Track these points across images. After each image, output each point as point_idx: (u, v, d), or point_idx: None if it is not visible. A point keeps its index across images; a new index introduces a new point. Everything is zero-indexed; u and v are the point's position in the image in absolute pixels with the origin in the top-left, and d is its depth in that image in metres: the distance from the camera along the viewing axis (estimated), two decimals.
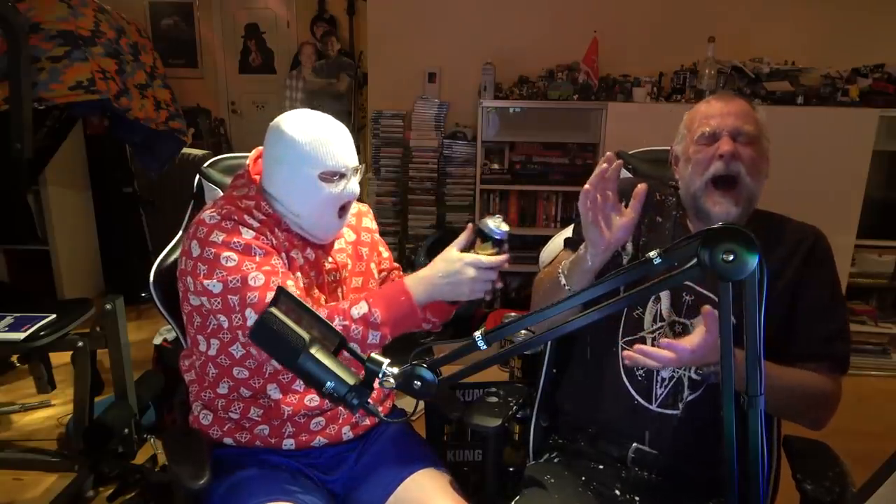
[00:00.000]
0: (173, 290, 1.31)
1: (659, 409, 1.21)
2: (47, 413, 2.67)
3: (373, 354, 0.90)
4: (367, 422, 1.36)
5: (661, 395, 1.22)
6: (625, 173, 1.51)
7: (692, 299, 1.22)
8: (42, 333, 2.08)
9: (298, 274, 1.27)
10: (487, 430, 1.33)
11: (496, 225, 1.17)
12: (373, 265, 1.45)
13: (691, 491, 1.21)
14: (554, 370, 1.46)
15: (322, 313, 1.12)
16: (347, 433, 1.32)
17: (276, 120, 1.29)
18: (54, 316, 2.16)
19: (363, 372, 0.89)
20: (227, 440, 1.28)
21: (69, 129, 3.15)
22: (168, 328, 2.48)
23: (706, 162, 1.20)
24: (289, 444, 1.27)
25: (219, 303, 1.17)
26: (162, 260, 1.41)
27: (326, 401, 1.24)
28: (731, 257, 0.73)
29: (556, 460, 1.33)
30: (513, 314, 2.84)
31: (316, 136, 1.24)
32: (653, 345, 1.22)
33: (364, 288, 1.40)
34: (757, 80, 3.25)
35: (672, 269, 0.80)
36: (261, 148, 1.33)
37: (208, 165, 1.50)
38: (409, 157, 3.62)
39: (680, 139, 1.29)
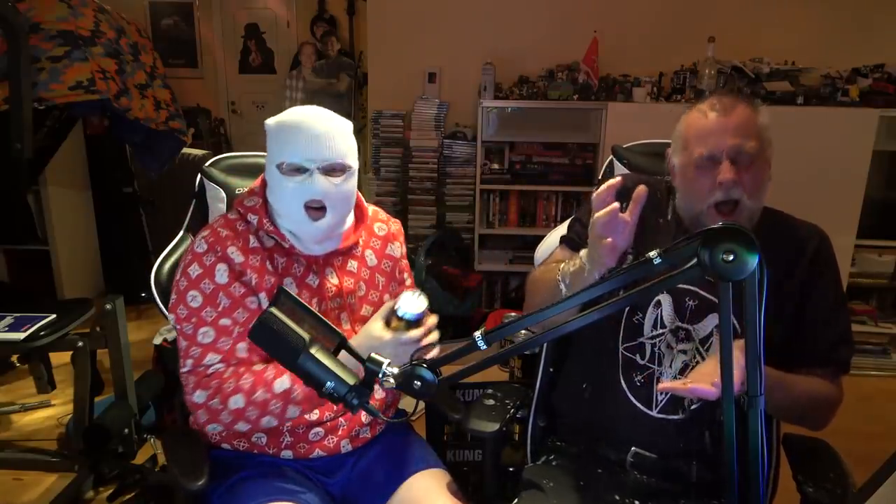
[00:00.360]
0: None
1: (659, 415, 1.21)
2: (47, 413, 2.67)
3: (372, 354, 0.90)
4: (368, 433, 1.33)
5: (661, 401, 1.21)
6: (624, 173, 1.51)
7: (696, 304, 1.21)
8: (42, 333, 2.08)
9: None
10: (485, 434, 1.32)
11: (409, 308, 1.12)
12: (386, 296, 1.38)
13: (691, 494, 1.20)
14: (551, 369, 1.46)
15: (247, 381, 1.14)
16: (346, 445, 1.29)
17: None
18: (54, 316, 2.16)
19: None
20: (225, 445, 1.28)
21: (69, 129, 3.15)
22: (168, 328, 2.48)
23: (706, 189, 1.15)
24: (287, 454, 1.26)
25: (177, 336, 1.20)
26: (162, 260, 1.41)
27: (326, 414, 1.25)
28: (731, 257, 0.73)
29: (554, 463, 1.32)
30: (513, 314, 2.84)
31: (286, 125, 1.21)
32: (653, 351, 1.22)
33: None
34: (757, 80, 3.25)
35: (672, 269, 0.80)
36: None
37: (210, 164, 1.49)
38: (409, 157, 3.63)
39: (676, 149, 1.23)
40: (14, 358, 2.82)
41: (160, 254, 1.43)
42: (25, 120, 2.18)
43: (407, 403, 1.47)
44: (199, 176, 1.48)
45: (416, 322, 1.13)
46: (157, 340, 2.61)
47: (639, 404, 1.22)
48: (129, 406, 2.27)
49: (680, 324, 1.22)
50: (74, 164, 3.68)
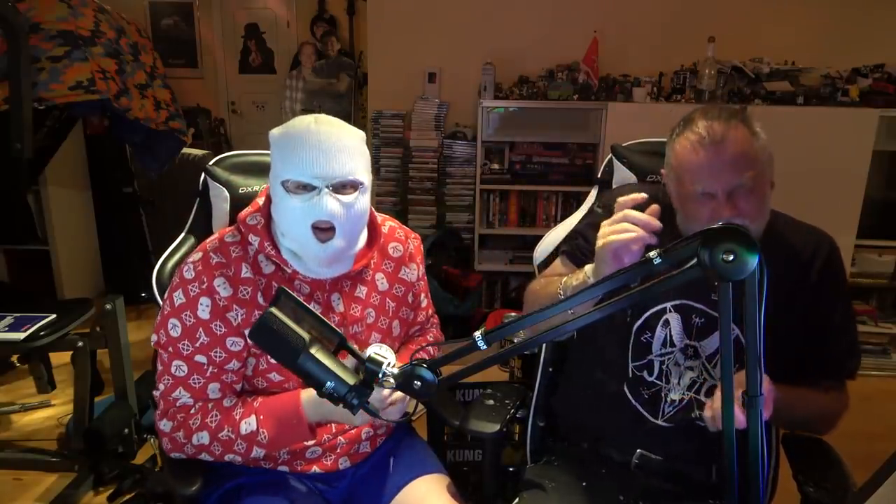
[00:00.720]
0: None
1: (663, 423, 1.21)
2: (47, 413, 2.67)
3: (372, 354, 0.90)
4: (368, 448, 1.30)
5: (669, 412, 1.21)
6: (623, 172, 1.50)
7: (702, 322, 1.20)
8: (42, 333, 2.08)
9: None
10: (485, 435, 1.31)
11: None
12: (396, 323, 1.31)
13: (697, 496, 1.20)
14: (550, 369, 1.46)
15: (215, 419, 1.12)
16: (345, 462, 1.26)
17: None
18: (54, 316, 2.16)
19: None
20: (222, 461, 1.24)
21: (69, 129, 3.15)
22: None
23: (705, 219, 1.09)
24: (283, 468, 1.23)
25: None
26: (164, 261, 1.40)
27: (324, 436, 1.22)
28: (731, 257, 0.73)
29: (556, 463, 1.32)
30: (513, 314, 2.84)
31: (292, 138, 1.11)
32: (661, 369, 1.22)
33: None
34: (757, 80, 3.25)
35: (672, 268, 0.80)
36: None
37: (214, 163, 1.47)
38: (409, 157, 3.62)
39: (670, 177, 1.18)
40: (14, 358, 2.82)
41: (160, 254, 1.42)
42: (25, 120, 2.17)
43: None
44: (202, 175, 1.45)
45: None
46: (153, 341, 2.61)
47: (644, 412, 1.22)
48: (129, 406, 2.27)
49: (688, 341, 1.21)
50: (74, 164, 3.68)
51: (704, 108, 1.14)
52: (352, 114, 4.76)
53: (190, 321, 1.13)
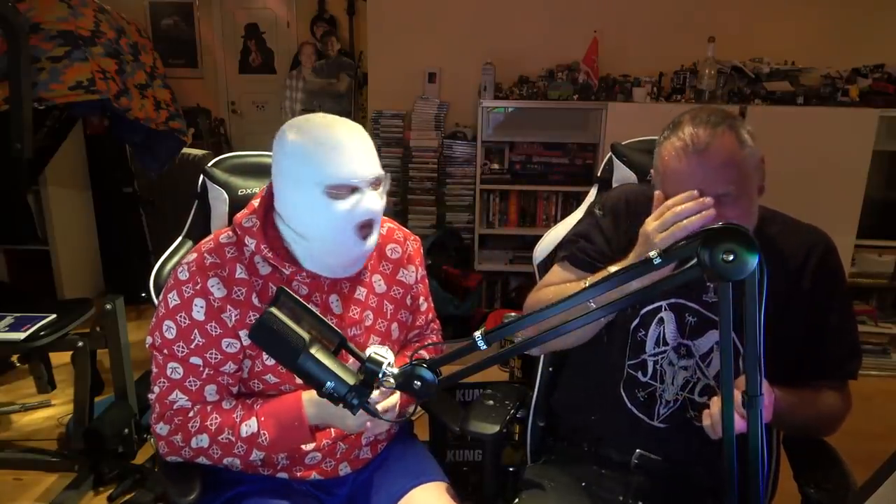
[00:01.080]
0: None
1: (660, 425, 1.21)
2: (47, 413, 2.67)
3: (372, 354, 0.90)
4: (368, 454, 1.29)
5: (664, 413, 1.21)
6: (623, 171, 1.49)
7: (695, 321, 1.20)
8: (42, 333, 2.08)
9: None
10: (485, 436, 1.31)
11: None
12: (395, 326, 1.30)
13: (697, 496, 1.20)
14: (550, 369, 1.46)
15: (214, 421, 1.11)
16: (345, 468, 1.25)
17: (282, 127, 1.16)
18: (54, 316, 2.16)
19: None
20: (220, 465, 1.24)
21: (69, 129, 3.15)
22: None
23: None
24: (282, 475, 1.22)
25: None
26: (162, 263, 1.39)
27: (323, 441, 1.20)
28: (731, 257, 0.73)
29: (555, 463, 1.32)
30: (513, 314, 2.84)
31: (322, 142, 1.09)
32: (655, 368, 1.22)
33: None
34: (757, 80, 3.25)
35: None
36: None
37: (212, 165, 1.46)
38: (409, 157, 3.63)
39: (656, 180, 1.16)
40: (14, 358, 2.82)
41: (160, 254, 1.42)
42: (25, 120, 2.17)
43: None
44: (201, 177, 1.44)
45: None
46: (148, 343, 2.61)
47: (641, 415, 1.22)
48: (129, 406, 2.27)
49: (681, 340, 1.21)
50: (74, 164, 3.68)
51: (694, 111, 1.12)
52: (352, 114, 4.76)
53: (185, 322, 1.12)
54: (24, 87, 2.14)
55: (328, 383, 0.86)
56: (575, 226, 1.36)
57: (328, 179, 1.09)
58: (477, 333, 0.84)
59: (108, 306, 2.17)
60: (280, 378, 1.16)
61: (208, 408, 1.13)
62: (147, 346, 1.17)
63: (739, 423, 0.87)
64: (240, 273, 1.14)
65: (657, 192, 1.08)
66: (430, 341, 1.42)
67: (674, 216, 1.00)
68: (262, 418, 1.11)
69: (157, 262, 1.40)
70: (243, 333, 1.13)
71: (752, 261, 0.73)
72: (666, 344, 1.22)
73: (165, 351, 1.13)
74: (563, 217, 1.48)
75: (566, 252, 1.28)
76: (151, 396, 1.16)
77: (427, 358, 1.33)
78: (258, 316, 1.11)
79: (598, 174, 1.53)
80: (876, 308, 3.36)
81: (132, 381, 2.30)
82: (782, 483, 1.29)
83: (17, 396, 2.77)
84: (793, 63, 3.32)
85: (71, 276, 3.65)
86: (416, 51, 3.64)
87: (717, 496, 1.19)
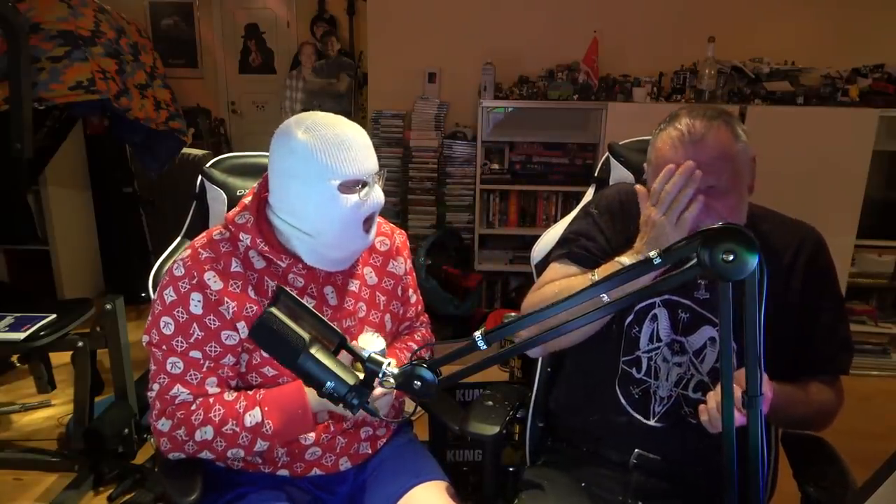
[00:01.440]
0: None
1: (656, 424, 1.21)
2: (47, 413, 2.67)
3: (372, 354, 0.90)
4: (368, 450, 1.30)
5: (659, 412, 1.21)
6: (621, 171, 1.49)
7: (688, 317, 1.21)
8: (42, 333, 2.08)
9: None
10: (485, 438, 1.31)
11: (374, 346, 1.08)
12: (388, 317, 1.32)
13: (698, 497, 1.20)
14: (549, 370, 1.46)
15: (218, 413, 1.11)
16: (345, 463, 1.26)
17: (282, 126, 1.16)
18: (54, 316, 2.16)
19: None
20: (219, 463, 1.24)
21: (69, 129, 3.15)
22: None
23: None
24: (283, 472, 1.22)
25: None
26: (161, 264, 1.39)
27: (322, 436, 1.21)
28: (731, 257, 0.73)
29: (555, 464, 1.32)
30: (513, 314, 2.84)
31: (331, 140, 1.12)
32: (649, 364, 1.22)
33: None
34: (757, 80, 3.25)
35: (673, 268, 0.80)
36: None
37: (211, 165, 1.46)
38: (409, 157, 3.63)
39: (649, 171, 1.17)
40: (14, 358, 2.82)
41: (160, 254, 1.42)
42: (25, 120, 2.17)
43: (407, 403, 1.47)
44: (199, 177, 1.44)
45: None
46: (144, 342, 2.61)
47: (636, 414, 1.22)
48: (129, 406, 2.27)
49: (674, 336, 1.21)
50: (74, 164, 3.68)
51: (690, 106, 1.14)
52: (352, 114, 4.76)
53: (183, 317, 1.13)
54: (24, 87, 2.14)
55: (328, 383, 0.86)
56: (570, 225, 1.34)
57: (341, 176, 1.12)
58: (477, 333, 0.84)
59: (108, 306, 2.17)
60: (278, 370, 1.17)
61: (210, 400, 1.13)
62: (144, 343, 1.17)
63: (737, 418, 0.87)
64: (235, 266, 1.15)
65: (638, 187, 1.12)
66: (419, 334, 1.44)
67: (668, 194, 1.04)
68: (266, 408, 1.12)
69: (157, 262, 1.40)
70: (241, 325, 1.14)
71: (752, 261, 0.73)
72: (659, 340, 1.22)
73: (164, 347, 1.14)
74: (563, 217, 1.48)
75: (565, 249, 1.27)
76: (151, 394, 1.16)
77: (416, 348, 1.38)
78: (254, 308, 1.14)
79: (596, 174, 1.53)
80: (876, 308, 3.36)
81: (132, 381, 2.30)
82: (782, 482, 1.29)
83: (17, 396, 2.77)
84: (793, 63, 3.32)
85: (71, 276, 3.65)
86: (416, 51, 3.64)
87: (716, 495, 1.19)
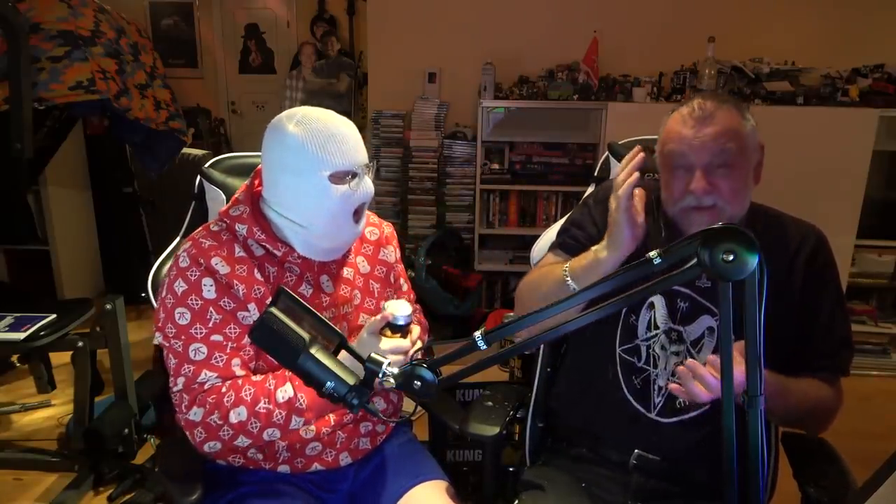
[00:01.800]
0: None
1: (657, 418, 1.21)
2: (47, 413, 2.67)
3: (372, 354, 0.90)
4: (368, 445, 1.30)
5: (658, 403, 1.21)
6: (617, 166, 1.50)
7: (687, 306, 1.21)
8: (42, 333, 2.08)
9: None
10: (485, 438, 1.31)
11: (402, 311, 1.10)
12: (382, 304, 1.32)
13: (696, 496, 1.20)
14: (549, 370, 1.46)
15: (249, 392, 1.11)
16: (346, 458, 1.26)
17: (274, 120, 1.20)
18: (54, 316, 2.16)
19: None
20: (220, 461, 1.24)
21: (69, 129, 3.15)
22: None
23: (679, 193, 1.16)
24: (284, 468, 1.22)
25: (165, 353, 1.16)
26: (160, 264, 1.39)
27: (322, 430, 1.22)
28: (731, 257, 0.73)
29: (555, 464, 1.32)
30: (513, 314, 2.84)
31: (322, 132, 1.15)
32: (648, 352, 1.22)
33: None
34: (757, 80, 3.25)
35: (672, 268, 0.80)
36: None
37: (210, 165, 1.46)
38: (409, 157, 3.63)
39: (658, 147, 1.23)
40: (14, 358, 2.82)
41: (160, 254, 1.42)
42: (25, 120, 2.17)
43: (406, 403, 1.47)
44: (198, 178, 1.45)
45: (405, 327, 1.12)
46: (157, 340, 2.61)
47: (639, 406, 1.22)
48: (129, 406, 2.27)
49: (672, 325, 1.22)
50: (74, 164, 3.68)
51: (704, 93, 1.19)
52: (352, 114, 4.76)
53: (198, 304, 1.13)
54: (24, 87, 2.14)
55: (328, 383, 0.86)
56: (569, 215, 1.40)
57: (333, 167, 1.15)
58: (477, 333, 0.84)
59: (108, 306, 2.17)
60: None
61: (239, 381, 1.13)
62: (158, 341, 1.17)
63: (712, 386, 0.92)
64: (239, 252, 1.18)
65: (637, 191, 1.13)
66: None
67: (618, 185, 1.09)
68: (297, 382, 1.12)
69: (156, 262, 1.40)
70: (252, 307, 1.15)
71: (752, 261, 0.73)
72: (657, 328, 1.23)
73: (183, 337, 1.13)
74: (562, 217, 1.48)
75: (559, 239, 1.34)
76: (175, 390, 1.14)
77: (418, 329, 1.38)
78: (262, 289, 1.16)
79: (596, 173, 1.54)
80: (876, 308, 3.36)
81: (132, 381, 2.30)
82: (782, 482, 1.29)
83: (17, 396, 2.77)
84: (793, 63, 3.32)
85: (71, 276, 3.65)
86: (416, 51, 3.64)
87: (716, 496, 1.19)
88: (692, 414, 1.18)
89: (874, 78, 3.18)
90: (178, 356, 1.13)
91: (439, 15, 3.59)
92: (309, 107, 1.22)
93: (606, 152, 1.52)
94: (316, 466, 1.24)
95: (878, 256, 3.26)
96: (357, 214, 1.21)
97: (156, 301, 1.25)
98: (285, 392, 1.12)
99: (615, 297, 0.82)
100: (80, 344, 2.18)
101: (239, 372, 1.14)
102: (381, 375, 0.88)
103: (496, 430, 1.32)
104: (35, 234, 3.53)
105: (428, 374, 0.87)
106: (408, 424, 1.46)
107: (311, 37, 5.41)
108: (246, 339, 1.15)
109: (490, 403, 1.42)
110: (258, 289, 1.16)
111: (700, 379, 0.94)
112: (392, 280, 1.40)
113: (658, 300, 1.22)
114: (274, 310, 0.87)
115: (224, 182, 1.44)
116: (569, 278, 1.16)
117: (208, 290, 1.14)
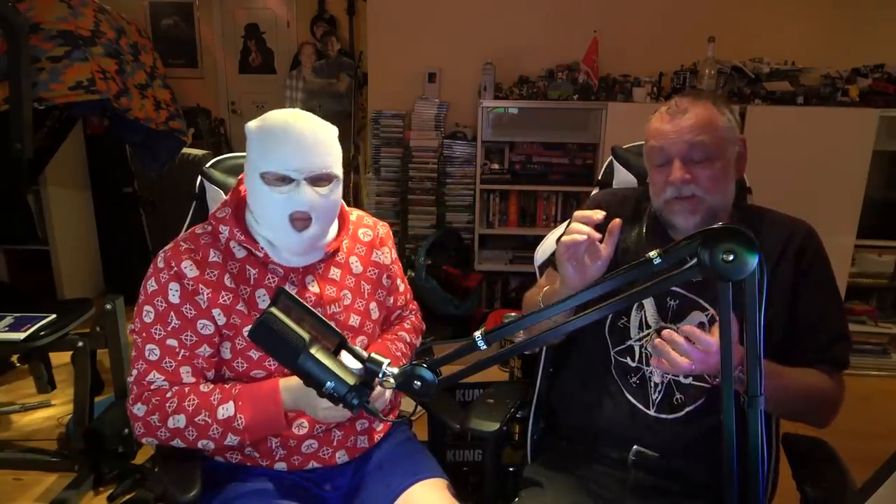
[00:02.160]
0: None
1: (656, 414, 1.21)
2: (47, 413, 2.67)
3: (372, 354, 0.90)
4: (366, 443, 1.31)
5: (656, 399, 1.22)
6: (623, 174, 1.50)
7: (676, 304, 1.21)
8: (42, 333, 2.08)
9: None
10: (485, 434, 1.31)
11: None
12: (373, 305, 1.34)
13: (694, 494, 1.20)
14: (551, 370, 1.46)
15: (192, 402, 1.13)
16: (342, 456, 1.27)
17: None
18: (54, 316, 2.16)
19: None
20: (218, 458, 1.25)
21: (69, 129, 3.15)
22: None
23: (660, 185, 1.20)
24: (280, 466, 1.23)
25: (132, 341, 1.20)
26: None
27: (317, 426, 1.22)
28: (731, 257, 0.73)
29: (555, 462, 1.32)
30: (513, 314, 2.84)
31: (268, 132, 1.16)
32: (641, 353, 1.23)
33: (361, 328, 1.30)
34: (757, 80, 3.25)
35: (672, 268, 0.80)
36: None
37: (210, 166, 1.47)
38: (409, 157, 3.63)
39: (644, 146, 1.29)
40: (14, 358, 2.82)
41: None
42: (25, 120, 2.17)
43: (406, 403, 1.47)
44: (199, 177, 1.45)
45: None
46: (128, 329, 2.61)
47: (637, 403, 1.23)
48: None
49: (663, 324, 1.22)
50: (74, 164, 3.69)
51: (687, 91, 1.22)
52: (352, 114, 4.76)
53: (162, 306, 1.17)
54: (24, 87, 2.14)
55: (328, 383, 0.86)
56: (565, 225, 1.39)
57: (262, 167, 1.16)
58: (477, 333, 0.84)
59: (108, 306, 2.17)
60: (262, 352, 1.19)
61: (185, 389, 1.16)
62: (128, 331, 1.21)
63: (678, 364, 0.94)
64: (213, 257, 1.20)
65: (615, 221, 1.12)
66: (409, 322, 1.47)
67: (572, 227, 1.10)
68: (240, 402, 1.14)
69: None
70: (217, 313, 1.17)
71: (752, 261, 0.73)
72: (648, 327, 1.23)
73: (144, 334, 1.17)
74: (563, 217, 1.49)
75: (551, 258, 1.36)
76: (130, 379, 1.19)
77: (407, 338, 1.40)
78: (230, 297, 1.17)
79: (599, 177, 1.54)
80: (876, 308, 3.36)
81: None
82: (782, 482, 1.29)
83: (17, 396, 2.77)
84: (793, 63, 3.32)
85: (71, 276, 3.65)
86: (416, 51, 3.64)
87: (714, 494, 1.19)
88: (689, 408, 1.19)
89: (874, 78, 3.18)
90: (137, 350, 1.18)
91: (439, 15, 3.59)
92: (289, 109, 1.22)
93: (610, 157, 1.52)
94: (313, 464, 1.24)
95: (878, 256, 3.26)
96: (299, 223, 1.17)
97: None
98: (226, 410, 1.13)
99: (615, 297, 0.82)
100: (80, 344, 2.18)
101: (187, 379, 1.17)
102: (380, 375, 0.88)
103: (496, 425, 1.32)
104: (35, 234, 3.53)
105: (428, 374, 0.87)
106: (408, 425, 1.46)
107: (311, 37, 5.41)
108: (202, 349, 1.18)
109: (491, 401, 1.43)
110: (226, 295, 1.18)
111: (676, 346, 0.95)
112: (385, 282, 1.39)
113: (647, 299, 1.23)
114: (274, 310, 0.87)
115: (225, 182, 1.44)
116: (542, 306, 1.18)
117: (173, 294, 1.16)
